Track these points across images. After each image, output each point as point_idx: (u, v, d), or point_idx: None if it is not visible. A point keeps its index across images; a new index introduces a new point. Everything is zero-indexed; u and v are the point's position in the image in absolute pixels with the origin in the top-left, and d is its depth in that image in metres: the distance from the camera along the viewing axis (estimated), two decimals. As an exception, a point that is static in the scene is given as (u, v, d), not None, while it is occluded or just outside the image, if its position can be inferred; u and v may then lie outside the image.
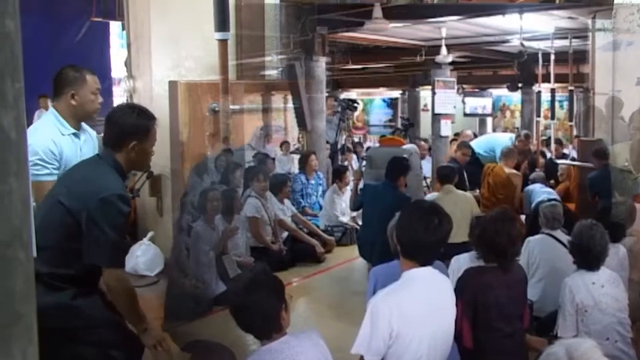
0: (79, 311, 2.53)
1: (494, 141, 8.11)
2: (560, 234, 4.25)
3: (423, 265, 2.31)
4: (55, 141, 3.03)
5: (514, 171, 6.91)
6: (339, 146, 10.17)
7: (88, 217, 2.43)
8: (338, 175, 7.68)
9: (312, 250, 6.41)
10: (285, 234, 6.51)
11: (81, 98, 3.07)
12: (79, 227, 2.45)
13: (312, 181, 7.87)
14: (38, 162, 2.94)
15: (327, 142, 9.20)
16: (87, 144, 3.23)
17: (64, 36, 9.07)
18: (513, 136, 8.73)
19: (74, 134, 3.12)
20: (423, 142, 8.98)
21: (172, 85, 5.54)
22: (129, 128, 2.57)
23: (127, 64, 6.01)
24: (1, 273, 1.00)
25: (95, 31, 9.25)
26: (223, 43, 4.23)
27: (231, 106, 5.26)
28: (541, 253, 4.18)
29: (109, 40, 9.68)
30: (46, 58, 8.65)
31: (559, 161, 8.25)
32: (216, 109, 5.47)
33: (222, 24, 4.09)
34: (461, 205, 5.41)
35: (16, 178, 1.03)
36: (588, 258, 3.24)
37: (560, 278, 3.50)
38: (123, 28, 6.44)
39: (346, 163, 9.59)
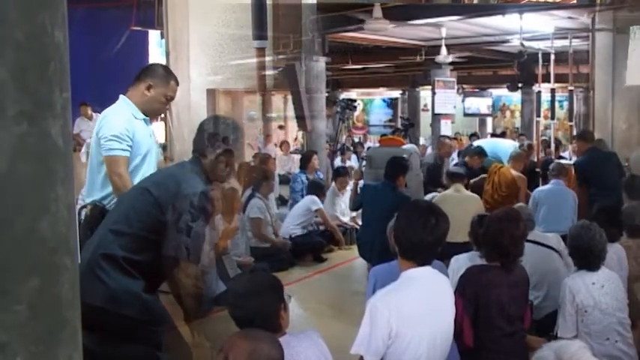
0: (148, 304, 2.53)
1: (497, 147, 8.09)
2: (535, 234, 4.04)
3: (422, 265, 2.30)
4: (129, 122, 3.05)
5: (520, 174, 6.90)
6: (338, 146, 10.16)
7: (174, 211, 2.47)
8: (338, 175, 7.70)
9: (316, 247, 6.64)
10: (298, 231, 6.75)
11: (155, 94, 3.10)
12: (164, 219, 2.48)
13: (313, 181, 7.91)
14: (112, 138, 2.97)
15: (327, 142, 9.20)
16: (154, 134, 3.30)
17: (103, 45, 9.14)
18: (517, 144, 8.72)
19: (144, 120, 3.16)
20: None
21: (210, 92, 5.58)
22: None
23: (166, 72, 6.09)
24: (47, 279, 1.00)
25: (134, 40, 9.30)
26: (261, 51, 4.24)
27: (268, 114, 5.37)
28: (525, 258, 4.04)
29: (148, 49, 9.72)
30: (86, 67, 8.70)
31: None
32: (254, 116, 5.54)
33: (260, 32, 4.10)
34: (465, 205, 5.39)
35: (62, 185, 1.03)
36: (589, 258, 3.23)
37: (552, 279, 3.47)
38: (162, 37, 6.46)
39: (347, 164, 9.60)
